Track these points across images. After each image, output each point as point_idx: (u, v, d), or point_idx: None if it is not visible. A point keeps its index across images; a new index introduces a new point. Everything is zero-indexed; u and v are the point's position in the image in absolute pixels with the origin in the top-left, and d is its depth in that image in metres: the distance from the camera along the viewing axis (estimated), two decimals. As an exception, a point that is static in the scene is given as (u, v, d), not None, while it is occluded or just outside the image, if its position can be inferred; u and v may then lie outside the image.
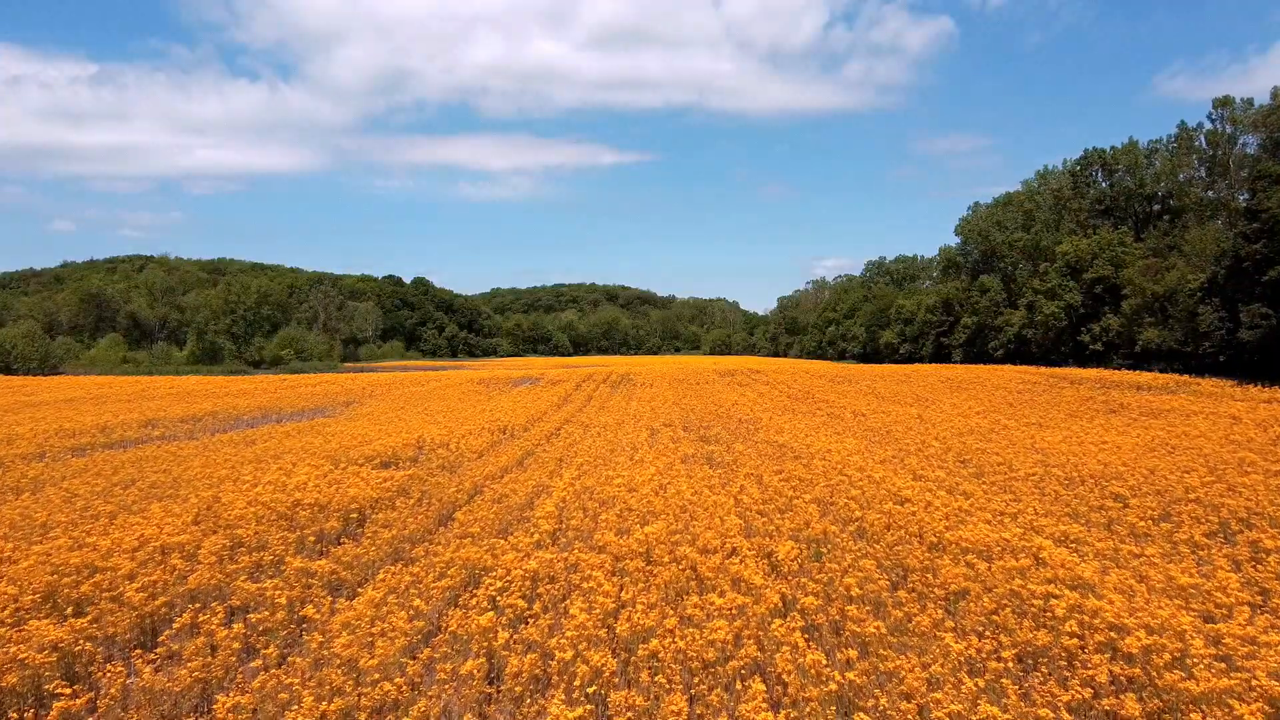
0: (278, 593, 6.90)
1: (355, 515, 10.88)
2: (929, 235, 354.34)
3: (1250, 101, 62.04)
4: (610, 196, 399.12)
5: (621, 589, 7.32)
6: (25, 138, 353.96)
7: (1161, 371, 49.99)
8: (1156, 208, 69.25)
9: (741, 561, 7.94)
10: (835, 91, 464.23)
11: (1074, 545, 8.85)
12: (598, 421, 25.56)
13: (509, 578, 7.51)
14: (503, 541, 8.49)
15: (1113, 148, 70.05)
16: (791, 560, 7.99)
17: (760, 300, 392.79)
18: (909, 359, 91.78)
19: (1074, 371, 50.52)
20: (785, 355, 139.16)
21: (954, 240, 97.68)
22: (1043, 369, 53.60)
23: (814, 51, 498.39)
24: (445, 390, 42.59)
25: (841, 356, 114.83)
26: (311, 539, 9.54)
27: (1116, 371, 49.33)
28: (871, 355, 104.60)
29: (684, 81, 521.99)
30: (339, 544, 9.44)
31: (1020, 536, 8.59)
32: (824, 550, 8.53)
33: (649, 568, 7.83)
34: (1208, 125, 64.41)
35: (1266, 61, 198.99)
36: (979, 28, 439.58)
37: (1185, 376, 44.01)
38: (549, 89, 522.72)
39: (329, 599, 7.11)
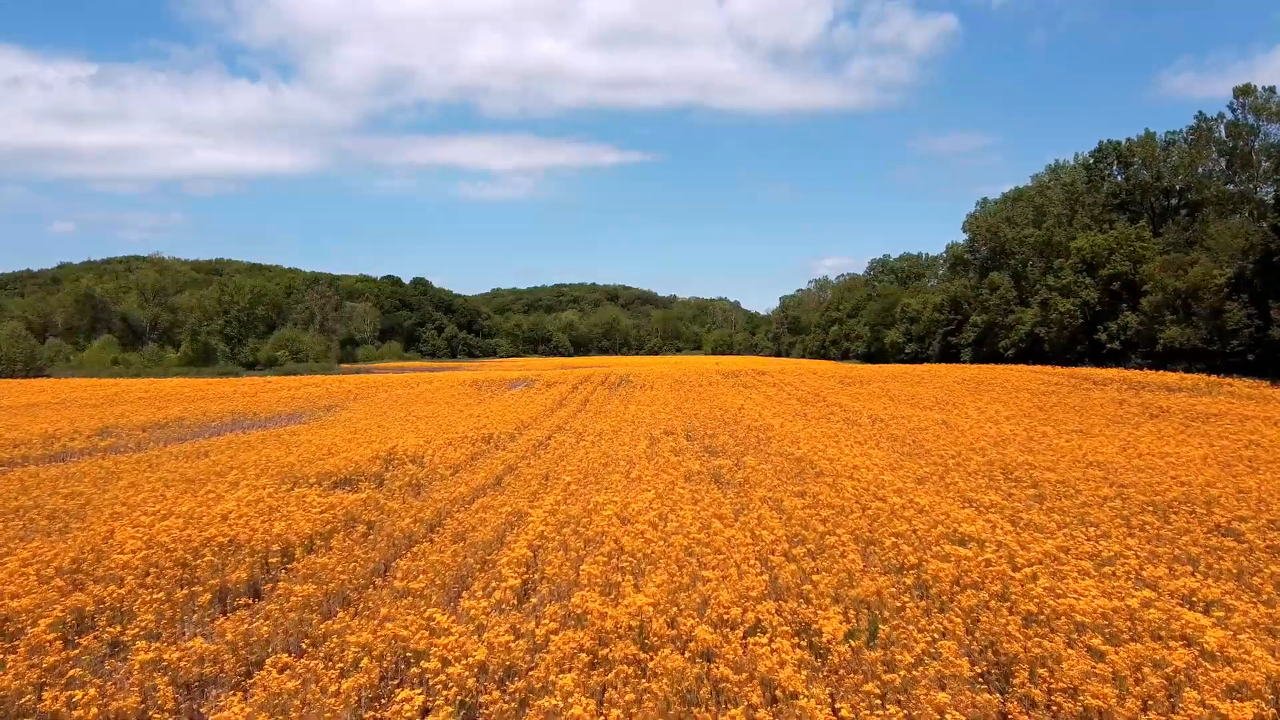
0: (94, 708, 4.71)
1: (276, 559, 8.66)
2: (932, 234, 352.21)
3: (1273, 90, 59.70)
4: (612, 196, 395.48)
5: (604, 695, 5.11)
6: (25, 139, 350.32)
7: (1186, 371, 47.74)
8: (1174, 201, 66.92)
9: (771, 644, 5.70)
10: (838, 90, 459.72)
11: (1210, 609, 6.61)
12: (592, 429, 23.33)
13: (444, 676, 5.30)
14: (443, 616, 6.25)
15: (1129, 140, 67.72)
16: (839, 642, 5.76)
17: (761, 300, 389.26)
18: (915, 359, 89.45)
19: (1095, 371, 48.19)
20: (788, 355, 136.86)
21: (958, 238, 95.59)
22: (1060, 369, 51.26)
23: (817, 50, 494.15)
24: (434, 393, 40.35)
25: (845, 356, 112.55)
26: (206, 598, 7.32)
27: (1139, 371, 46.97)
28: (876, 355, 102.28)
29: (686, 80, 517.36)
30: (237, 608, 7.22)
31: (1145, 602, 6.33)
32: (881, 622, 6.30)
33: (643, 655, 5.61)
34: (1228, 116, 62.11)
35: (1272, 59, 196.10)
36: (983, 26, 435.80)
37: (1214, 377, 41.72)
38: (551, 88, 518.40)
39: (172, 716, 4.92)
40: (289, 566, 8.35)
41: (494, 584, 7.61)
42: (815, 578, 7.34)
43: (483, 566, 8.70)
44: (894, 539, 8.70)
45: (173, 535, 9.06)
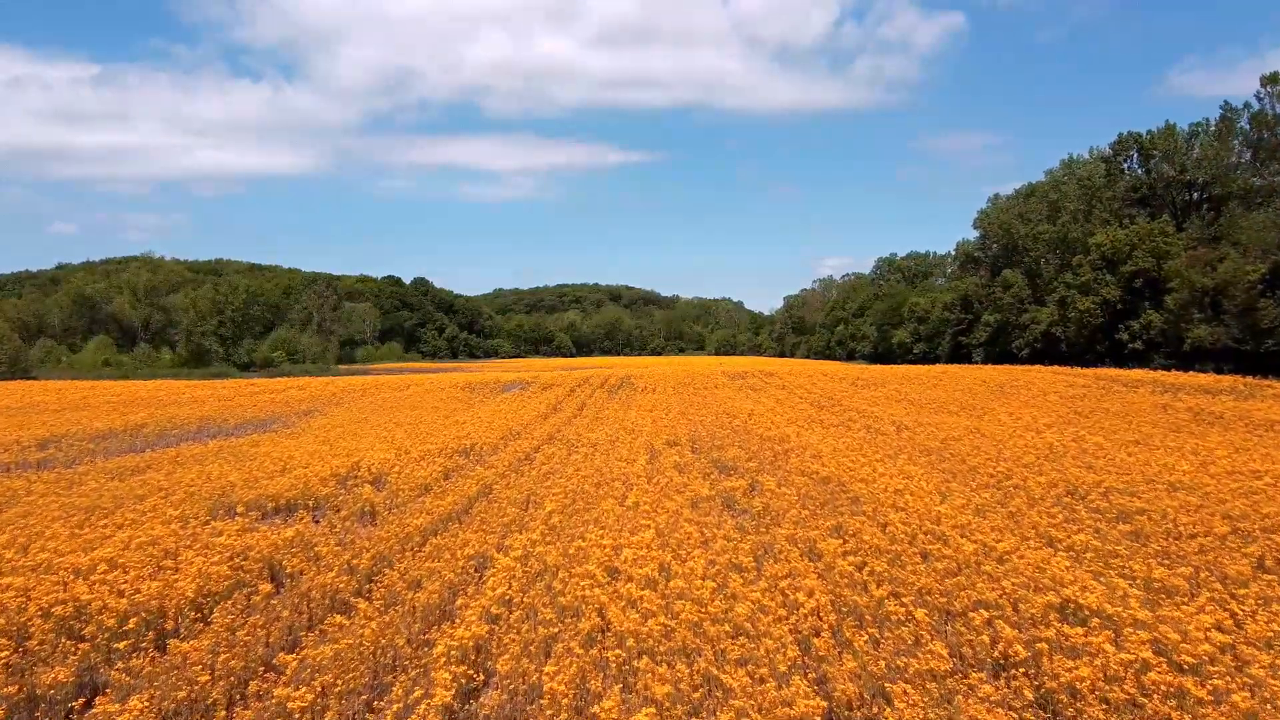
0: None
1: (128, 643, 6.26)
2: (937, 234, 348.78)
3: (1304, 77, 57.10)
4: (615, 196, 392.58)
5: None
6: (27, 139, 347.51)
7: (1216, 372, 45.23)
8: (1197, 195, 64.29)
9: None
10: (844, 89, 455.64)
11: None
12: (587, 438, 20.96)
13: None
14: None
15: (1149, 132, 65.06)
16: None
17: (764, 300, 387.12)
18: (923, 359, 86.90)
19: (1122, 373, 45.64)
20: (792, 355, 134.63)
21: (963, 238, 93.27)
22: (1083, 370, 48.71)
23: (823, 49, 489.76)
24: (422, 397, 37.97)
25: (851, 357, 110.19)
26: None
27: (1170, 373, 44.40)
28: (883, 355, 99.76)
29: (691, 80, 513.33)
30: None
31: None
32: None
33: None
34: (1255, 106, 59.50)
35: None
36: (990, 24, 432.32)
37: (1250, 378, 39.17)
38: (554, 88, 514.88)
39: None
40: (132, 660, 5.92)
41: (417, 693, 5.22)
42: (890, 690, 4.94)
43: (415, 651, 6.31)
44: (983, 612, 6.30)
45: (6, 598, 6.69)
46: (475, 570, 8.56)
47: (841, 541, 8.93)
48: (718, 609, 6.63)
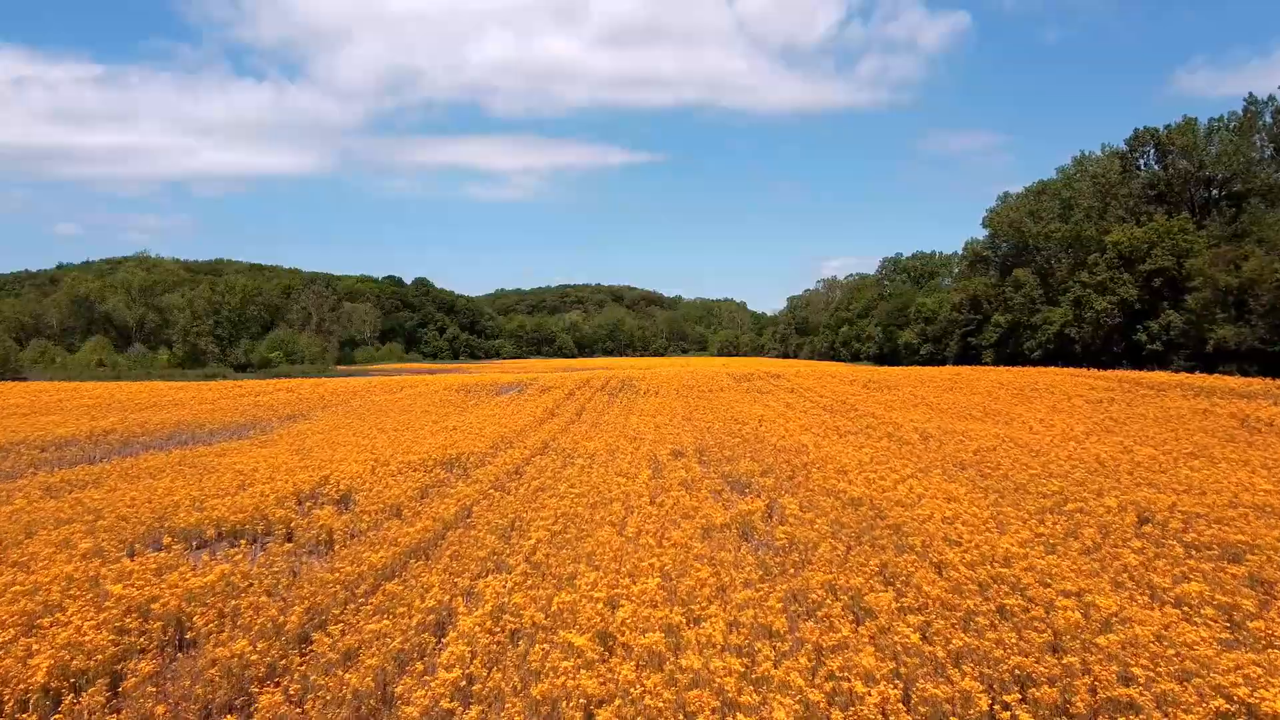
0: None
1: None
2: (941, 235, 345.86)
3: (1328, 71, 55.23)
4: (618, 197, 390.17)
5: None
6: (30, 140, 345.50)
7: (1242, 374, 43.40)
8: (1216, 192, 62.39)
9: None
10: (849, 89, 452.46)
11: None
12: (584, 447, 19.19)
13: None
14: None
15: (1167, 127, 63.15)
16: None
17: (767, 301, 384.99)
18: (930, 360, 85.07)
19: (1145, 375, 43.80)
20: (795, 356, 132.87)
21: (967, 238, 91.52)
22: (1103, 372, 46.86)
23: (828, 48, 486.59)
24: (414, 400, 36.20)
25: (856, 358, 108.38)
26: None
27: (1195, 375, 42.56)
28: (889, 356, 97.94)
29: (695, 79, 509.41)
30: None
31: None
32: None
33: None
34: (1279, 100, 57.65)
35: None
36: (996, 24, 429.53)
37: (1282, 381, 37.42)
38: (559, 87, 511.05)
39: None
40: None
41: None
42: None
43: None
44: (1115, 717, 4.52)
45: None
46: (434, 630, 6.79)
47: (895, 593, 7.15)
48: (747, 705, 4.86)
